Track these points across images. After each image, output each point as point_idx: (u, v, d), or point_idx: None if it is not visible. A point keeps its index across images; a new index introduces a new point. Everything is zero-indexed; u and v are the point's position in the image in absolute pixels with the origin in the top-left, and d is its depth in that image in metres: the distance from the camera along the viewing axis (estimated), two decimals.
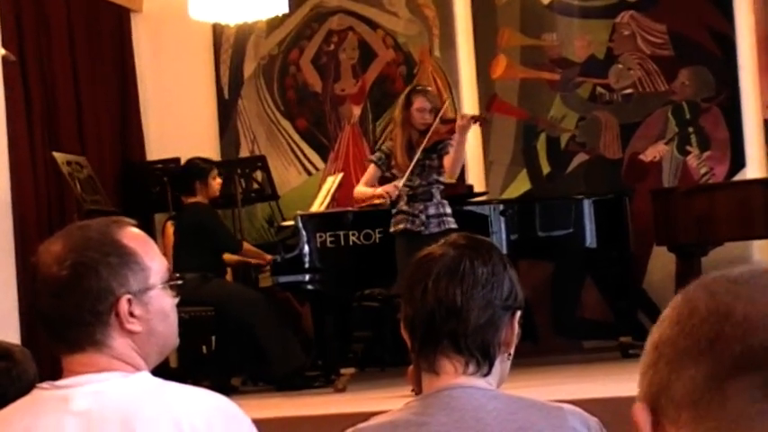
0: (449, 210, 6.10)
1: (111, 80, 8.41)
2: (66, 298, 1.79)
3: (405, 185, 6.08)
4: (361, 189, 6.39)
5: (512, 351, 1.94)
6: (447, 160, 6.03)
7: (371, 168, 6.34)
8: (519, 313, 1.94)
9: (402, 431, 1.84)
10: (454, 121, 6.05)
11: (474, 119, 6.11)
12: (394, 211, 6.17)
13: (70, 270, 1.79)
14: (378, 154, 6.37)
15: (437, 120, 6.01)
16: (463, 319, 1.87)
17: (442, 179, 6.14)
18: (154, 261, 1.86)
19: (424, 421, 1.85)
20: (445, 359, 1.89)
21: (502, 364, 1.94)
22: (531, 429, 1.84)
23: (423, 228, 6.01)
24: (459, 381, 1.89)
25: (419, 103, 6.07)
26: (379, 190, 6.21)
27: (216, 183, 7.27)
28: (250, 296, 7.03)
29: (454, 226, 6.00)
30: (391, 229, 6.14)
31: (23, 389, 1.85)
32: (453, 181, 7.92)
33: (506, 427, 1.83)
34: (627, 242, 7.18)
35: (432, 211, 6.05)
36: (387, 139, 6.46)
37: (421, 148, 5.99)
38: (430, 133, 5.99)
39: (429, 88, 6.45)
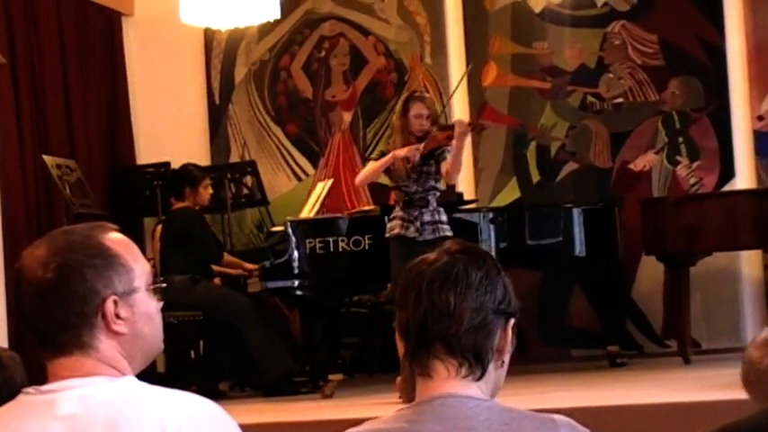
0: (444, 217, 6.10)
1: (101, 84, 8.40)
2: (52, 300, 1.78)
3: (402, 190, 6.10)
4: (368, 165, 6.34)
5: (505, 359, 1.94)
6: (446, 166, 6.03)
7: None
8: (513, 320, 1.93)
9: None
10: (452, 128, 6.05)
11: (471, 126, 6.13)
12: (390, 216, 6.19)
13: (56, 273, 1.78)
14: (377, 153, 6.37)
15: (435, 127, 6.04)
16: (456, 320, 1.87)
17: (438, 186, 6.15)
18: (138, 264, 1.85)
19: (416, 429, 1.84)
20: (438, 361, 1.89)
21: (496, 371, 1.93)
22: None
23: (417, 234, 6.02)
24: (452, 389, 1.88)
25: (416, 109, 6.09)
26: (400, 152, 6.04)
27: (206, 192, 7.24)
28: (238, 301, 7.02)
29: (449, 233, 6.01)
30: (386, 234, 6.14)
31: (10, 395, 1.84)
32: (443, 188, 7.93)
33: None
34: (615, 251, 7.19)
35: (427, 217, 6.05)
36: (387, 143, 6.47)
37: (419, 155, 6.01)
38: (428, 140, 6.01)
39: (427, 95, 6.48)
